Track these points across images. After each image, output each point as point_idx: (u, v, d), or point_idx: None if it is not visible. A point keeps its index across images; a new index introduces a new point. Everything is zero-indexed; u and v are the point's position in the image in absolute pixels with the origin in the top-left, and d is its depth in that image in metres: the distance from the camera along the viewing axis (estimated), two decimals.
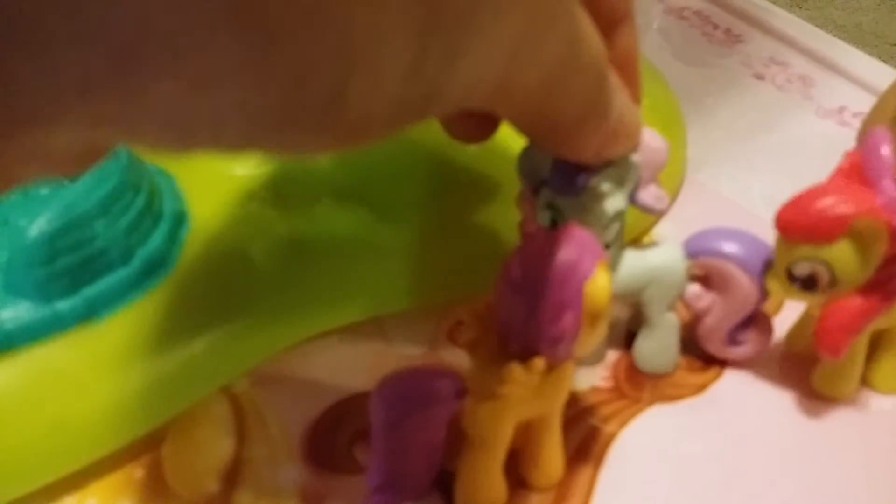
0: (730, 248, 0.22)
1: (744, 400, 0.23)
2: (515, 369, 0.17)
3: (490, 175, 0.25)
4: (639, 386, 0.23)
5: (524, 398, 0.18)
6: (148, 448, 0.21)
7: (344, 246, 0.24)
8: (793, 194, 0.20)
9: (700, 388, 0.23)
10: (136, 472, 0.21)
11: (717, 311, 0.22)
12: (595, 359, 0.24)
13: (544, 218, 0.21)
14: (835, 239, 0.20)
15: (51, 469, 0.20)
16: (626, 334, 0.25)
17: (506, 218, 0.23)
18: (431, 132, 0.26)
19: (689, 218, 0.22)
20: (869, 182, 0.20)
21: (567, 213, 0.21)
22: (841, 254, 0.20)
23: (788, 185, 0.31)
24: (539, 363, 0.17)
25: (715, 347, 0.23)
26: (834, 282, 0.20)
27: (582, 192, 0.20)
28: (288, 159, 0.22)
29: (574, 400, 0.22)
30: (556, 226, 0.21)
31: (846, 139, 0.29)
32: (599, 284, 0.17)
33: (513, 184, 0.23)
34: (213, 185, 0.24)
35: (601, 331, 0.18)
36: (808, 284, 0.21)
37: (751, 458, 0.21)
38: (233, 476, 0.20)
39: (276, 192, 0.24)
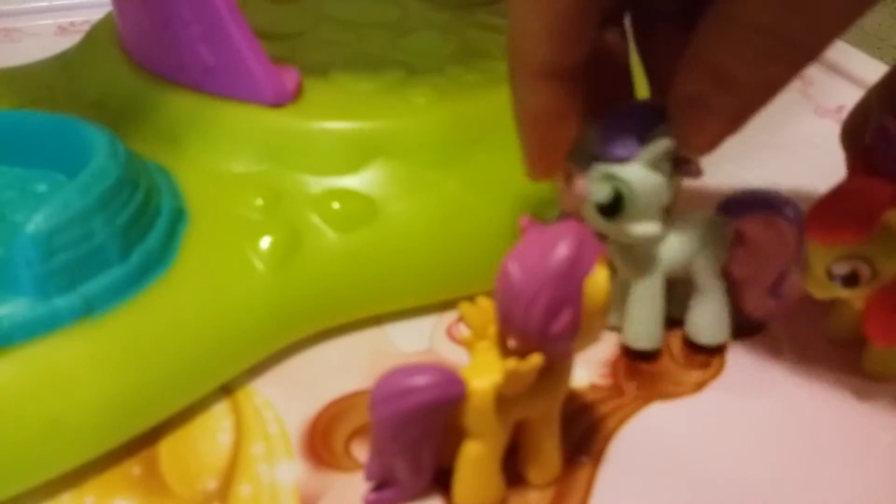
0: (765, 203, 0.22)
1: (744, 397, 0.23)
2: (514, 366, 0.17)
3: (490, 172, 0.25)
4: (638, 383, 0.23)
5: (523, 395, 0.18)
6: (145, 445, 0.21)
7: (343, 243, 0.24)
8: (817, 197, 0.20)
9: (699, 386, 0.23)
10: (134, 469, 0.21)
11: (759, 270, 0.22)
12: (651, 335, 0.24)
13: (603, 192, 0.21)
14: (871, 236, 0.20)
15: (48, 466, 0.20)
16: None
17: (504, 216, 0.23)
18: (429, 133, 0.26)
19: (688, 202, 0.22)
20: (888, 173, 0.20)
21: (631, 179, 0.21)
22: (879, 248, 0.20)
23: (787, 184, 0.31)
24: (537, 360, 0.17)
25: (756, 305, 0.23)
26: (876, 274, 0.20)
27: (641, 152, 0.21)
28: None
29: (573, 397, 0.22)
30: (620, 199, 0.21)
31: None
32: (599, 280, 0.17)
33: (513, 180, 0.23)
34: (212, 182, 0.24)
35: (601, 327, 0.18)
36: (849, 281, 0.21)
37: (750, 455, 0.21)
38: (230, 474, 0.20)
39: (274, 190, 0.24)
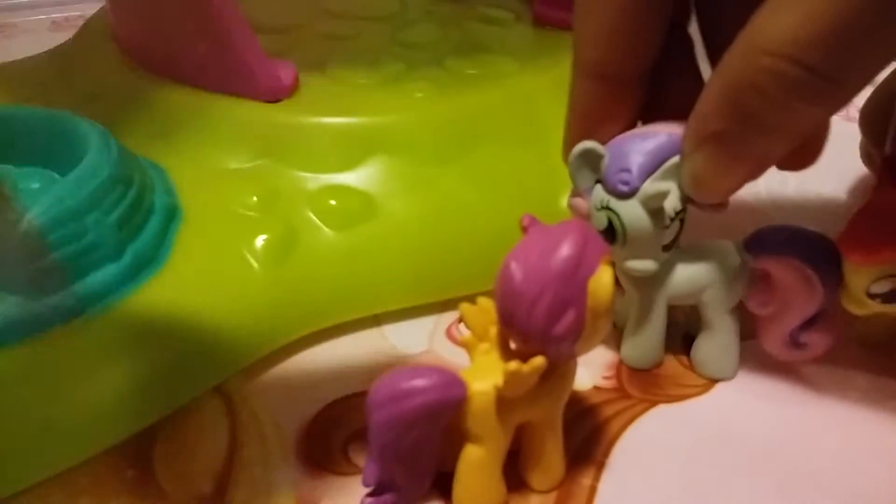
0: (796, 246, 0.20)
1: (749, 400, 0.22)
2: (515, 368, 0.17)
3: (491, 168, 0.25)
4: (642, 386, 0.23)
5: (524, 398, 0.18)
6: (140, 447, 0.21)
7: (340, 241, 0.24)
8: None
9: (705, 389, 0.23)
10: (128, 472, 0.20)
11: (780, 313, 0.21)
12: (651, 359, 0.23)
13: (599, 221, 0.20)
14: None
15: (41, 467, 0.19)
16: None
17: (506, 214, 0.22)
18: (428, 129, 0.25)
19: (695, 216, 0.22)
20: None
21: (624, 215, 0.20)
22: None
23: (794, 182, 0.31)
24: (540, 362, 0.17)
25: (776, 349, 0.22)
26: None
27: (636, 192, 0.20)
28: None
29: (576, 400, 0.22)
30: (612, 230, 0.20)
31: (852, 135, 0.28)
32: (603, 281, 0.17)
33: (514, 176, 0.22)
34: (206, 179, 0.24)
35: (605, 328, 0.18)
36: (889, 298, 0.20)
37: (755, 458, 0.21)
38: (226, 476, 0.20)
39: (270, 187, 0.24)
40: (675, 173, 0.20)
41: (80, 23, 0.32)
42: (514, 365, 0.17)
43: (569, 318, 0.17)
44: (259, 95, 0.25)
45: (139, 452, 0.21)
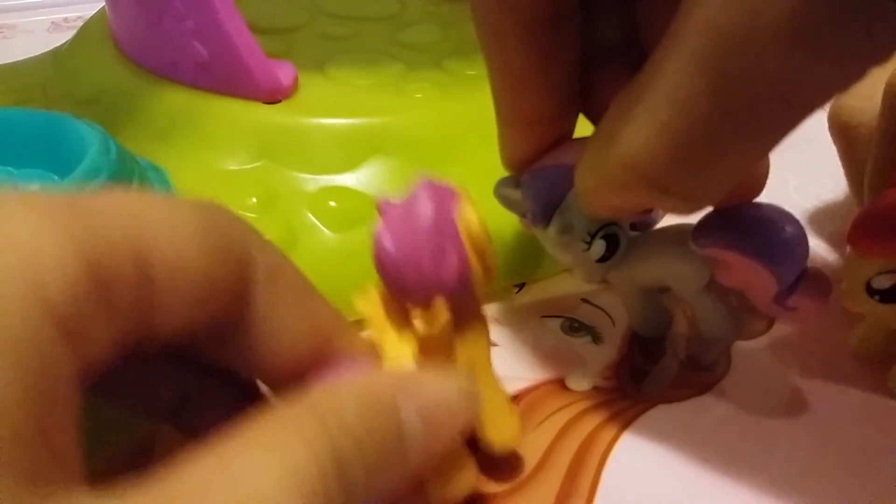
0: (724, 237, 0.20)
1: (749, 400, 0.22)
2: (422, 316, 0.17)
3: (490, 168, 0.25)
4: (642, 386, 0.23)
5: (447, 346, 0.18)
6: (140, 448, 0.21)
7: (339, 242, 0.24)
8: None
9: (705, 388, 0.23)
10: (128, 472, 0.20)
11: (748, 288, 0.20)
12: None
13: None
14: None
15: None
16: (632, 335, 0.24)
17: (506, 215, 0.22)
18: (428, 129, 0.25)
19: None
20: None
21: (545, 244, 0.21)
22: None
23: (792, 179, 0.31)
24: (441, 303, 0.17)
25: (768, 312, 0.21)
26: None
27: (548, 224, 0.20)
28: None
29: (576, 400, 0.22)
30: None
31: None
32: (467, 215, 0.18)
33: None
34: (205, 180, 0.24)
35: (492, 259, 0.18)
36: (887, 297, 0.20)
37: (756, 458, 0.21)
38: None
39: (269, 188, 0.24)
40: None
41: (80, 24, 0.32)
42: (418, 321, 0.17)
43: (452, 258, 0.17)
44: (258, 96, 0.25)
45: (139, 453, 0.21)
